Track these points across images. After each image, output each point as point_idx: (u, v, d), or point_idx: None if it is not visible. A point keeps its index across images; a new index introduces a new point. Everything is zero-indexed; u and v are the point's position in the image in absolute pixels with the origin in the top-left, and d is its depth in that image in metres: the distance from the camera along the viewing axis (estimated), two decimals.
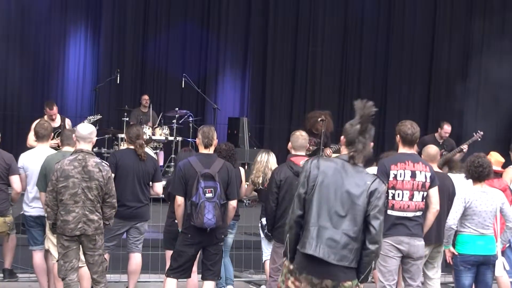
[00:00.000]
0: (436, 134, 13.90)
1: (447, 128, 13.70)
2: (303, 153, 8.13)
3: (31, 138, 11.50)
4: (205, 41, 18.01)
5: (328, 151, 12.14)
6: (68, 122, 12.11)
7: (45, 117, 11.82)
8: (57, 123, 11.72)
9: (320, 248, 5.11)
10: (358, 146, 5.22)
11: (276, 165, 8.78)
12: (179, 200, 7.59)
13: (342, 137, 5.39)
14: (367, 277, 5.27)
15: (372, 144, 5.38)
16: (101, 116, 13.44)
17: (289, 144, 8.20)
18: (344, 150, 5.36)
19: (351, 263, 5.16)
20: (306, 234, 5.16)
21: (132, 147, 8.60)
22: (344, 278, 5.16)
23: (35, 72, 16.51)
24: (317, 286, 5.16)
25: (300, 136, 8.16)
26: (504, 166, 9.67)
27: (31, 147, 10.74)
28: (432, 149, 8.52)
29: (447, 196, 8.19)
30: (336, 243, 5.12)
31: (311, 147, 12.07)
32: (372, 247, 5.17)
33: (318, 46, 18.50)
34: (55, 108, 11.92)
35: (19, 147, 13.91)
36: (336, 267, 5.13)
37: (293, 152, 8.11)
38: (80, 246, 7.37)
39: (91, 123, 11.91)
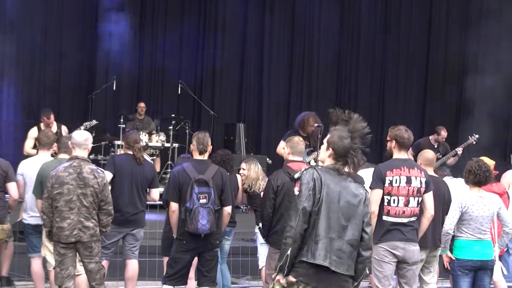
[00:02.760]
0: (431, 137, 13.89)
1: (444, 134, 13.71)
2: (301, 159, 8.09)
3: (28, 145, 11.53)
4: (201, 48, 18.03)
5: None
6: (64, 129, 12.09)
7: (42, 124, 11.81)
8: (53, 130, 11.68)
9: (332, 259, 5.15)
10: (354, 160, 5.29)
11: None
12: (173, 206, 7.60)
13: (329, 150, 5.34)
14: (359, 283, 5.34)
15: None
16: (97, 122, 13.39)
17: (278, 148, 8.20)
18: (330, 161, 5.35)
19: (353, 271, 5.26)
20: (315, 246, 5.15)
21: (130, 152, 8.59)
22: (347, 287, 5.25)
23: (31, 78, 16.48)
24: None
25: (300, 142, 8.11)
26: (500, 170, 9.70)
27: (28, 155, 10.74)
28: (429, 153, 8.52)
29: (442, 200, 8.19)
30: (343, 253, 5.19)
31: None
32: (366, 253, 5.31)
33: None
34: (52, 117, 11.90)
35: (15, 154, 13.93)
36: (342, 276, 5.19)
37: (290, 157, 8.05)
38: (77, 253, 7.36)
39: (87, 130, 11.90)
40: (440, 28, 19.17)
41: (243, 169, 8.98)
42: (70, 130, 11.86)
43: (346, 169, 5.33)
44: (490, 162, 9.23)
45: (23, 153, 11.59)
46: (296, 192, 5.24)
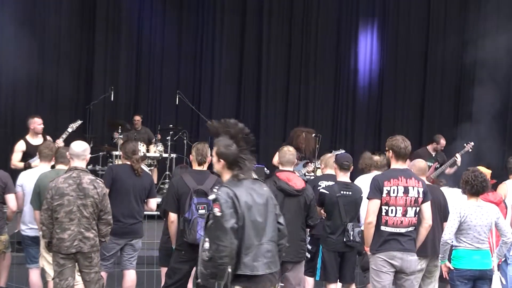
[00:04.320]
0: (429, 147, 13.93)
1: (443, 142, 13.76)
2: (291, 169, 8.14)
3: (15, 158, 11.31)
4: (199, 57, 18.06)
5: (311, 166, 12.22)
6: (49, 139, 11.88)
7: (29, 135, 11.54)
8: (40, 139, 11.52)
9: (265, 265, 5.44)
10: (245, 164, 5.53)
11: None
12: (172, 216, 7.60)
13: (221, 161, 5.59)
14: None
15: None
16: (81, 122, 13.11)
17: (274, 159, 8.23)
18: (227, 173, 5.59)
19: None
20: (248, 257, 5.40)
21: (128, 162, 8.60)
22: (277, 279, 5.65)
23: (29, 90, 16.47)
24: None
25: (288, 152, 8.18)
26: (497, 178, 9.71)
27: (16, 168, 10.71)
28: (421, 162, 8.55)
29: (438, 208, 8.22)
30: (271, 252, 5.51)
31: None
32: (283, 241, 5.68)
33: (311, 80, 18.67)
34: (41, 121, 11.72)
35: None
36: (273, 273, 5.54)
37: (280, 167, 8.14)
38: (76, 264, 7.36)
39: (74, 130, 11.82)
40: (438, 27, 19.19)
41: None
42: (67, 141, 11.80)
43: (242, 175, 5.53)
44: (486, 171, 9.25)
45: (11, 167, 11.49)
46: (218, 213, 5.35)
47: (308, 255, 8.99)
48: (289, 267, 7.96)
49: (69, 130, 11.99)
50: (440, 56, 19.03)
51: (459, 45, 18.69)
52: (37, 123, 11.53)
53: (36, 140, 11.26)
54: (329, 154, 9.77)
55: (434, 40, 19.09)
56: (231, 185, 5.48)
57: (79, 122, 12.63)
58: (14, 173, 9.14)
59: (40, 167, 8.79)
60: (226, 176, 5.59)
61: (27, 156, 10.94)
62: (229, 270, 5.29)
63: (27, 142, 11.31)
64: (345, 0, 18.91)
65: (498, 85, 17.21)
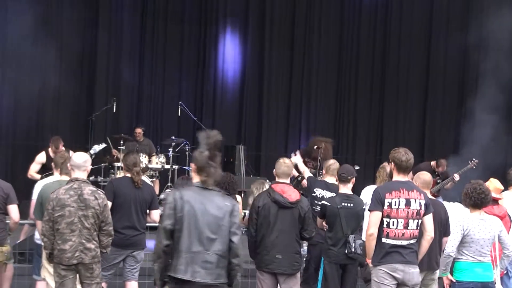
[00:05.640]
0: (432, 163, 13.95)
1: (443, 168, 13.85)
2: (286, 181, 8.12)
3: (33, 169, 11.48)
4: (201, 69, 18.08)
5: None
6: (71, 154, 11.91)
7: (50, 150, 11.62)
8: None
9: (195, 273, 5.65)
10: (210, 171, 5.80)
11: None
12: None
13: (192, 165, 5.94)
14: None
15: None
16: (106, 145, 13.20)
17: (274, 170, 8.23)
18: (196, 177, 5.89)
19: (225, 279, 5.82)
20: (179, 261, 5.68)
21: (129, 175, 8.61)
22: None
23: (30, 100, 16.46)
24: None
25: (283, 164, 8.16)
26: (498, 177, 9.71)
27: (32, 178, 10.72)
28: (426, 175, 8.52)
29: (439, 222, 8.19)
30: (210, 264, 5.70)
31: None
32: (235, 261, 5.86)
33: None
34: (61, 146, 11.82)
35: (14, 174, 13.92)
36: (213, 285, 5.73)
37: (276, 179, 8.13)
38: (77, 275, 7.35)
39: (96, 152, 11.83)
40: (440, 35, 19.24)
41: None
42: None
43: (210, 182, 5.83)
44: (497, 187, 9.21)
45: (28, 176, 11.54)
46: (161, 212, 5.69)
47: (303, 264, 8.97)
48: (282, 279, 7.93)
49: (92, 152, 11.99)
50: (442, 54, 19.06)
51: (462, 43, 18.73)
52: (53, 150, 11.44)
53: None
54: (331, 161, 9.77)
55: (436, 39, 19.15)
56: (185, 189, 5.78)
57: (103, 145, 12.65)
58: (12, 184, 9.05)
59: (55, 176, 8.78)
60: (195, 180, 5.89)
61: (46, 168, 10.98)
62: (155, 267, 5.69)
63: (48, 155, 11.36)
64: (346, 5, 18.95)
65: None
